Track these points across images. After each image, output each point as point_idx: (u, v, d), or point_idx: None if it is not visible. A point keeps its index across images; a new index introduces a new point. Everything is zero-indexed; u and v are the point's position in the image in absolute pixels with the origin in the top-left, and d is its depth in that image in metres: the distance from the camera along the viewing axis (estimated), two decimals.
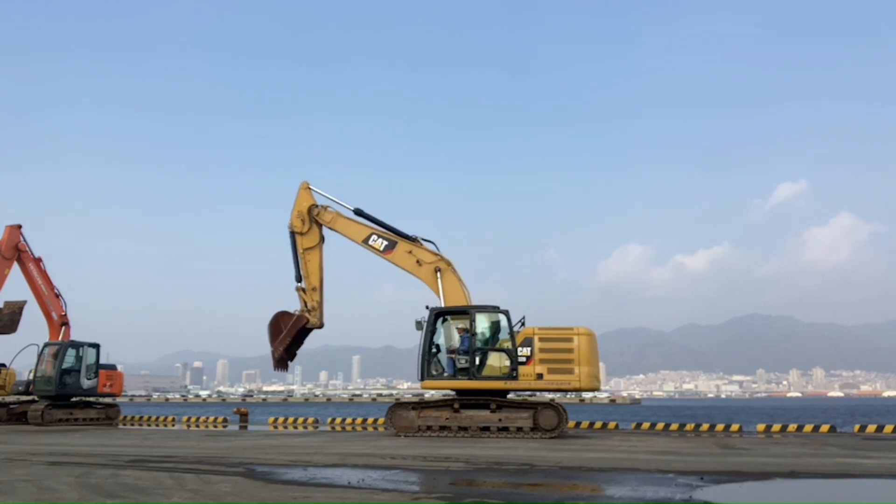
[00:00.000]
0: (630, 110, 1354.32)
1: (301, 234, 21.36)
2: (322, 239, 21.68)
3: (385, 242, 20.73)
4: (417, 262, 20.36)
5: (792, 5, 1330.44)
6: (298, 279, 21.55)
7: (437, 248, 20.62)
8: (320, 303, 21.50)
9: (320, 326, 21.71)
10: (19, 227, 28.33)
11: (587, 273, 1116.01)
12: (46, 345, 27.63)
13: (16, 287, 28.44)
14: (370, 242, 20.82)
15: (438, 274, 20.09)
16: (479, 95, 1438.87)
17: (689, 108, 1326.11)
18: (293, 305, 21.89)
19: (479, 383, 18.91)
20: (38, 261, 28.61)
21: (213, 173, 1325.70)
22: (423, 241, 20.74)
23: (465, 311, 19.49)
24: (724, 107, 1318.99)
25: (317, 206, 21.56)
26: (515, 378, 18.72)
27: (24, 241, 28.40)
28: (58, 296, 29.03)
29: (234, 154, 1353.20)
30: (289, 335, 21.29)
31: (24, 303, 28.74)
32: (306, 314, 21.39)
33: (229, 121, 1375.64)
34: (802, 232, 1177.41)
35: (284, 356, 21.62)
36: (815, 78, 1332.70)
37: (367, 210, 21.30)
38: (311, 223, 21.40)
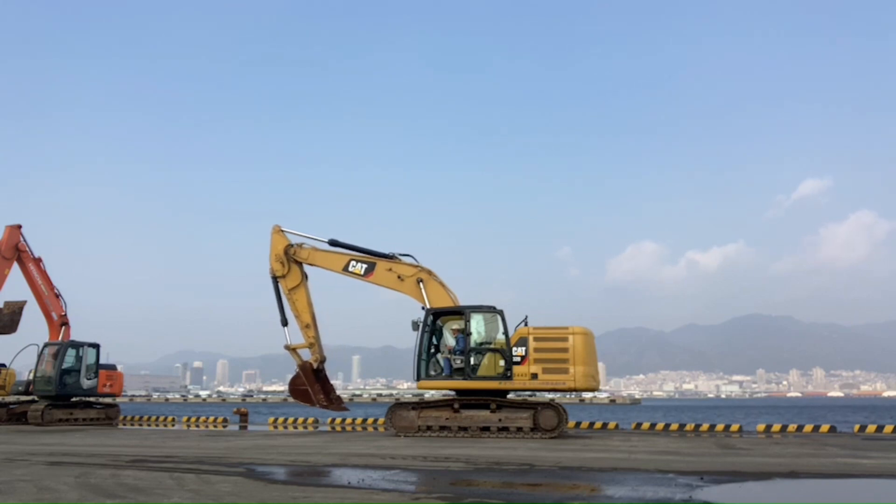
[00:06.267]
0: (652, 109, 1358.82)
1: (283, 276, 21.67)
2: (305, 276, 21.98)
3: (364, 266, 20.96)
4: (399, 277, 20.56)
5: (819, 6, 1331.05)
6: (284, 323, 21.91)
7: (416, 261, 20.84)
8: (317, 337, 21.89)
9: (324, 359, 22.18)
10: (19, 227, 28.32)
11: (598, 271, 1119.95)
12: (46, 345, 27.60)
13: (16, 287, 28.49)
14: (350, 269, 21.07)
15: (421, 285, 20.23)
16: (496, 97, 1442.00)
17: (713, 106, 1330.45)
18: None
19: (473, 383, 18.95)
20: (38, 261, 28.59)
21: (215, 173, 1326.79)
22: (400, 257, 20.91)
23: (459, 312, 19.56)
24: (751, 104, 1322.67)
25: (292, 245, 21.82)
26: (510, 378, 18.73)
27: (24, 241, 28.40)
28: (58, 296, 29.02)
29: (235, 154, 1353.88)
30: (312, 385, 21.74)
31: (24, 303, 28.72)
32: (306, 361, 21.78)
33: (231, 121, 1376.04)
34: (820, 229, 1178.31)
35: (330, 403, 22.26)
36: (845, 77, 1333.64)
37: (340, 238, 21.60)
38: (290, 263, 21.67)
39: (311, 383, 21.70)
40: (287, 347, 22.01)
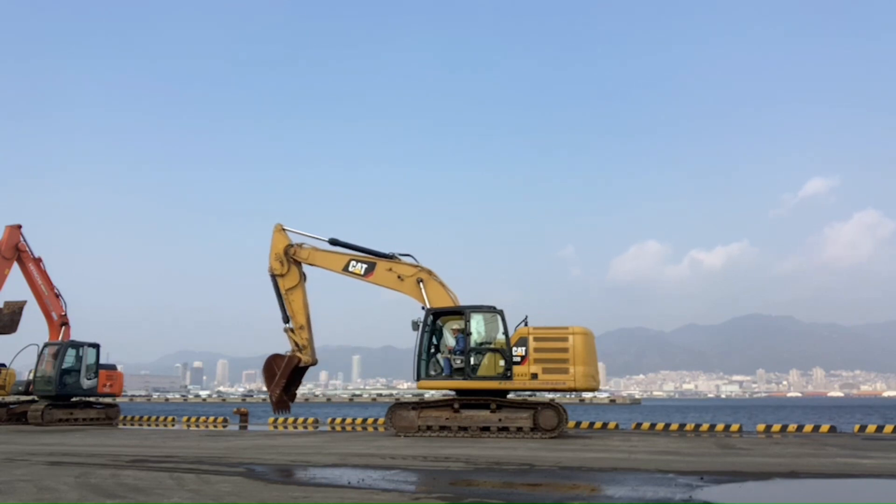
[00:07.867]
0: (655, 108, 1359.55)
1: (281, 275, 21.61)
2: (303, 277, 21.94)
3: (364, 266, 20.92)
4: (399, 277, 20.53)
5: (823, 6, 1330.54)
6: (286, 320, 21.82)
7: (416, 260, 20.82)
8: (310, 339, 21.80)
9: (313, 363, 22.08)
10: (19, 227, 28.31)
11: (600, 271, 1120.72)
12: (46, 345, 27.60)
13: (16, 287, 28.49)
14: (350, 269, 21.03)
15: (421, 285, 20.22)
16: (497, 97, 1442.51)
17: (716, 105, 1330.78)
18: None
19: (473, 383, 18.95)
20: (38, 261, 28.59)
21: (215, 173, 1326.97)
22: (400, 257, 20.89)
23: (460, 312, 19.55)
24: (755, 104, 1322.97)
25: (292, 245, 21.76)
26: (510, 378, 18.72)
27: (24, 241, 28.39)
28: (58, 296, 29.02)
29: (235, 154, 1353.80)
30: (283, 377, 21.63)
31: (24, 303, 28.72)
32: (297, 353, 21.67)
33: (231, 121, 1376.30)
34: (824, 228, 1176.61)
35: (283, 398, 22.02)
36: (853, 76, 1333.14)
37: (341, 237, 21.57)
38: (289, 263, 21.62)
39: (283, 375, 21.62)
40: (287, 330, 21.81)
